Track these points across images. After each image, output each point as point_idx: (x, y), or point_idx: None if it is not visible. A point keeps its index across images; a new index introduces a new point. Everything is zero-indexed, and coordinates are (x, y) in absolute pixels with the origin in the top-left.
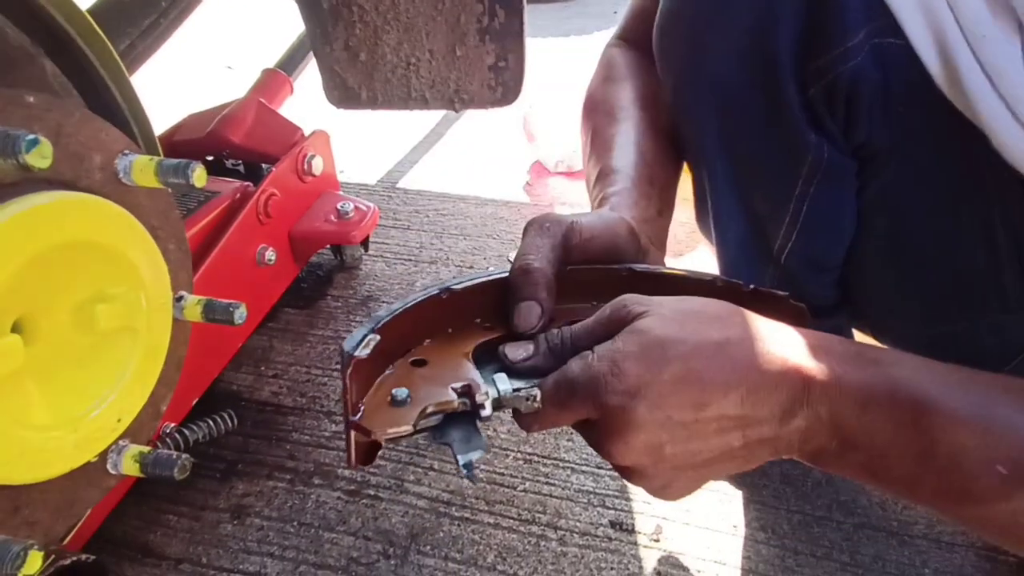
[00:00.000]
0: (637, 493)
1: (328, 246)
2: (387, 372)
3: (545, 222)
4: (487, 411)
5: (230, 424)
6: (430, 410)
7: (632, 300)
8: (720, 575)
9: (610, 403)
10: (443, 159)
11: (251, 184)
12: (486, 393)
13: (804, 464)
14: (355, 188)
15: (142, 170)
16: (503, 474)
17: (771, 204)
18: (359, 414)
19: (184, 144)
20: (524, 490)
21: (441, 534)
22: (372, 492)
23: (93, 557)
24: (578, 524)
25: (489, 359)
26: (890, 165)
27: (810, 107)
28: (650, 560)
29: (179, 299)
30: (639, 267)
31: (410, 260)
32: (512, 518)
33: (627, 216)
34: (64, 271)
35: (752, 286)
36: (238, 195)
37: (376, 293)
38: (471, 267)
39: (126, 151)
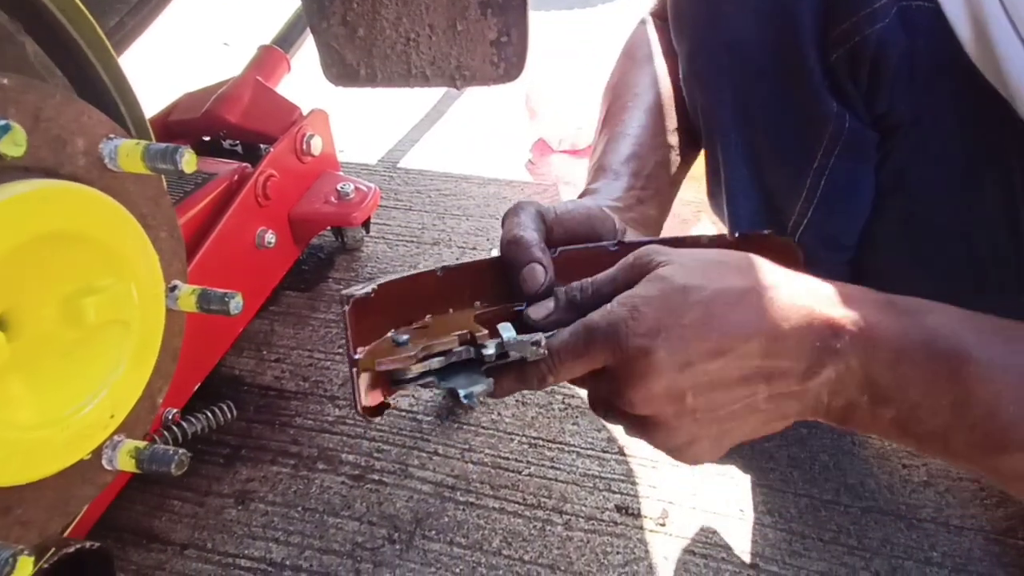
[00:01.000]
0: (643, 477)
1: (329, 228)
2: (388, 335)
3: (519, 207)
4: (490, 350)
5: (229, 415)
6: (436, 349)
7: (654, 250)
8: (726, 559)
9: (631, 345)
10: (444, 138)
11: (249, 165)
12: (490, 340)
13: (812, 447)
14: (355, 168)
15: (128, 155)
16: (508, 458)
17: (787, 177)
18: (363, 350)
19: (179, 125)
20: (529, 474)
21: (446, 519)
22: (376, 477)
23: (97, 544)
24: (584, 508)
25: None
26: (911, 138)
27: (831, 74)
28: (656, 544)
29: (172, 289)
30: (628, 239)
31: (412, 241)
32: (517, 502)
33: (603, 204)
34: (48, 263)
35: (737, 233)
36: (236, 177)
37: (378, 275)
38: (474, 248)
39: (111, 135)
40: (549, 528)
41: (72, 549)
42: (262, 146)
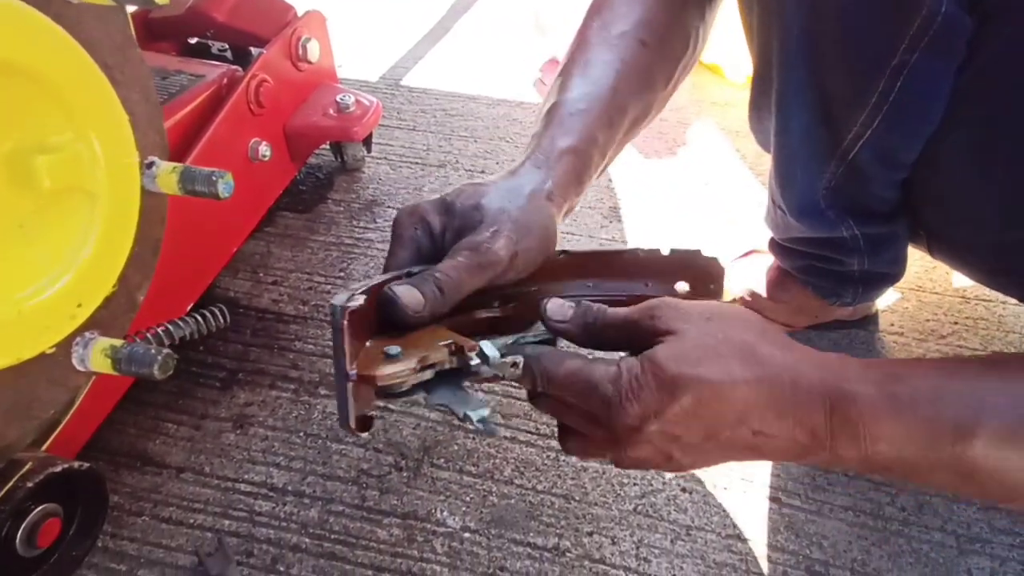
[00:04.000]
0: None
1: (327, 144)
2: (369, 344)
3: (485, 263)
4: (476, 362)
5: (222, 320)
6: (431, 361)
7: (662, 312)
8: (747, 492)
9: (621, 423)
10: (450, 55)
11: (239, 69)
12: (475, 349)
13: None
14: (354, 85)
15: None
16: (519, 388)
17: (857, 79)
18: (358, 368)
19: (161, 23)
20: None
21: (455, 447)
22: (380, 404)
23: (87, 465)
24: None
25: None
26: (1004, 33)
27: None
28: (674, 477)
29: (150, 165)
30: (574, 251)
31: (416, 163)
32: (530, 432)
33: (543, 185)
34: None
35: (670, 248)
36: (225, 80)
37: (381, 197)
38: (482, 172)
39: None
40: (563, 458)
41: (59, 468)
42: (253, 49)
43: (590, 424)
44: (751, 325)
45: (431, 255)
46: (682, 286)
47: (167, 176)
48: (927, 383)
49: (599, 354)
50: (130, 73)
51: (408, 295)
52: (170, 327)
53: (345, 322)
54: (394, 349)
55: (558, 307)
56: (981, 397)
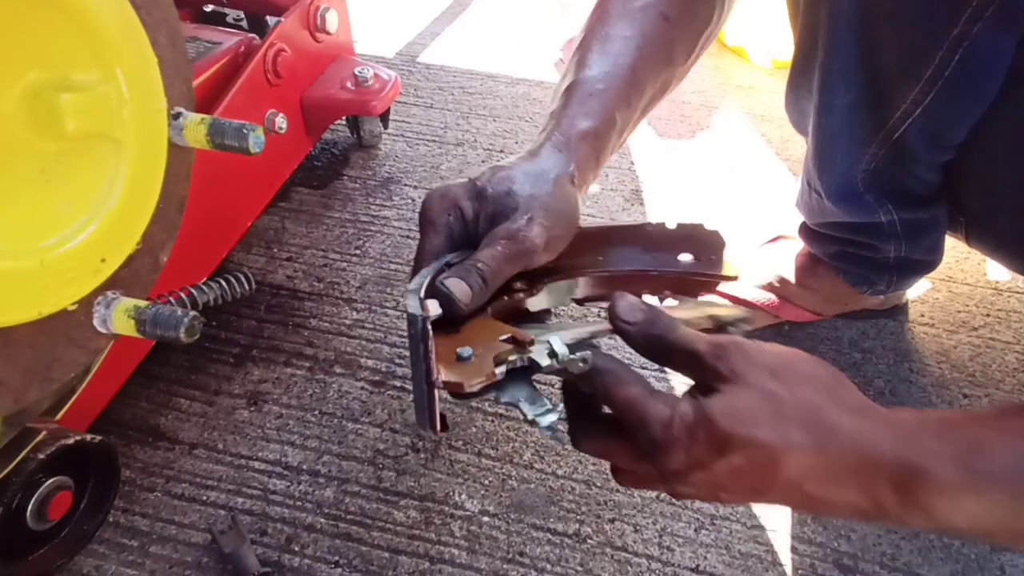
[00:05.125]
0: None
1: (344, 119)
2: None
3: (523, 251)
4: (545, 361)
5: (247, 286)
6: (501, 360)
7: (729, 354)
8: None
9: (670, 468)
10: (469, 33)
11: (256, 37)
12: (544, 343)
13: (867, 373)
14: (370, 61)
15: None
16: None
17: (911, 52)
18: (444, 375)
19: None
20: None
21: (474, 429)
22: (398, 384)
23: (99, 438)
24: None
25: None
26: None
27: None
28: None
29: (176, 116)
30: (586, 227)
31: (434, 141)
32: None
33: (567, 168)
34: (8, 37)
35: (676, 223)
36: (242, 48)
37: (397, 175)
38: (501, 151)
39: None
40: None
41: (71, 440)
42: (270, 18)
43: (637, 461)
44: (823, 383)
45: (463, 240)
46: (685, 257)
47: (195, 128)
48: (1011, 453)
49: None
50: (158, 15)
51: (459, 289)
52: (194, 292)
53: (429, 331)
54: (466, 351)
55: (628, 308)
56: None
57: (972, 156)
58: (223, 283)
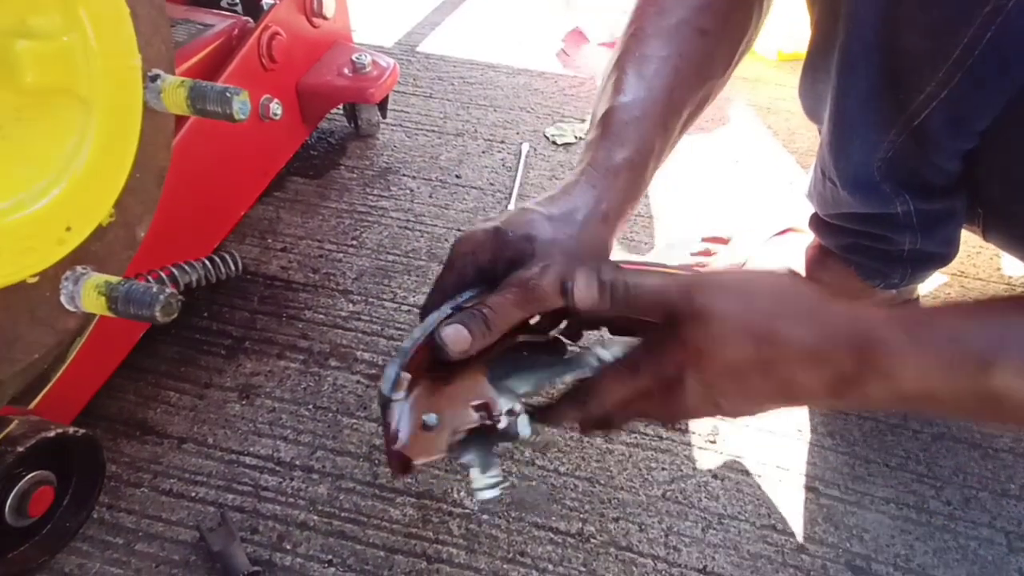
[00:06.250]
0: None
1: (341, 107)
2: (415, 392)
3: (532, 299)
4: (503, 425)
5: (232, 267)
6: (460, 429)
7: (699, 294)
8: (783, 481)
9: (665, 359)
10: (469, 22)
11: (251, 20)
12: (503, 412)
13: None
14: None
15: None
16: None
17: (939, 30)
18: (399, 444)
19: None
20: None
21: None
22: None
23: (83, 431)
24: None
25: (511, 362)
26: None
27: None
28: (705, 462)
29: (154, 79)
30: (627, 263)
31: (433, 131)
32: None
33: (598, 207)
34: None
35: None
36: (236, 31)
37: (395, 165)
38: (502, 142)
39: None
40: (587, 440)
41: (52, 433)
42: (265, 3)
43: (639, 388)
44: (790, 283)
45: (475, 282)
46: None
47: (174, 91)
48: (951, 321)
49: None
50: None
51: (455, 338)
52: (175, 271)
53: (394, 412)
54: (431, 418)
55: (584, 290)
56: (1003, 331)
57: (995, 144)
58: (208, 263)
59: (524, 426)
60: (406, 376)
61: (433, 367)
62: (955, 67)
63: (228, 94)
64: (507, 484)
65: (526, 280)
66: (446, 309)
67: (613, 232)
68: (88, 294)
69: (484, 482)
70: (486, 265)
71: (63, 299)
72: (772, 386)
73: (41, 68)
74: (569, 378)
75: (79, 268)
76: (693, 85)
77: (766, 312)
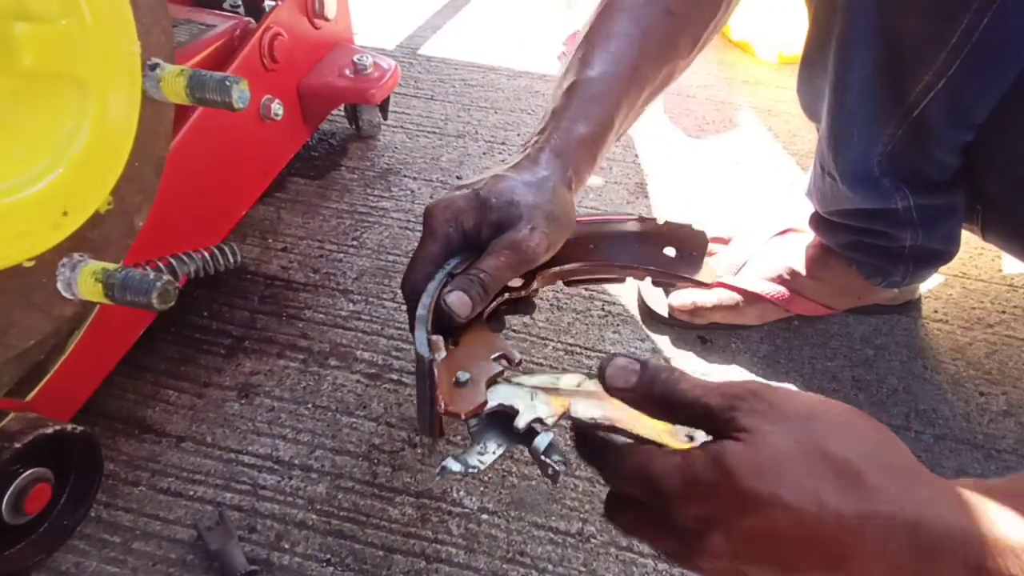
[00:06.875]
0: None
1: (342, 109)
2: (441, 356)
3: (524, 260)
4: (521, 424)
5: (231, 259)
6: (488, 377)
7: (746, 405)
8: None
9: (682, 523)
10: (471, 26)
11: (252, 21)
12: (534, 406)
13: (879, 370)
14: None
15: None
16: (542, 365)
17: (937, 16)
18: (448, 403)
19: None
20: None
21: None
22: (395, 377)
23: (80, 428)
24: None
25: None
26: None
27: None
28: None
29: (153, 67)
30: (580, 219)
31: (434, 132)
32: None
33: (564, 174)
34: None
35: (665, 220)
36: (237, 31)
37: (396, 166)
38: (502, 143)
39: None
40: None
41: (50, 430)
42: (267, 3)
43: (656, 526)
44: (866, 437)
45: (461, 248)
46: (670, 251)
47: (173, 80)
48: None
49: None
50: None
51: (459, 304)
52: (173, 262)
53: (436, 372)
54: (464, 375)
55: (619, 372)
56: None
57: (993, 138)
58: (206, 254)
59: (557, 453)
60: (438, 338)
61: (436, 332)
62: (953, 53)
63: (227, 83)
64: (476, 468)
65: (518, 242)
66: (442, 276)
67: (576, 196)
68: (85, 281)
69: (477, 459)
70: (471, 231)
71: (60, 286)
72: (829, 572)
73: (39, 51)
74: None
75: (76, 255)
76: (656, 64)
77: (837, 469)
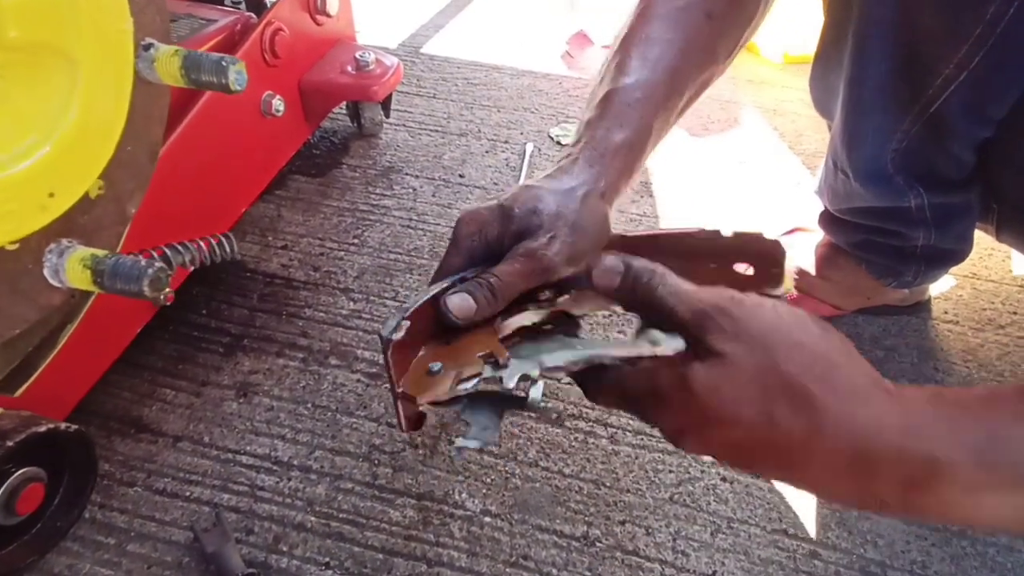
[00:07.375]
0: None
1: (344, 107)
2: (421, 353)
3: (539, 269)
4: (511, 382)
5: (228, 250)
6: (465, 374)
7: (716, 323)
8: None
9: (660, 424)
10: (473, 23)
11: (253, 16)
12: (527, 363)
13: (889, 373)
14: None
15: None
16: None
17: (957, 9)
18: (401, 387)
19: None
20: (569, 382)
21: None
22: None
23: (75, 427)
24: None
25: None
26: None
27: None
28: (715, 465)
29: (147, 48)
30: (630, 234)
31: (436, 131)
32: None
33: (596, 184)
34: None
35: (732, 231)
36: (238, 26)
37: (398, 164)
38: (505, 142)
39: None
40: (592, 441)
41: (43, 429)
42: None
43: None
44: (822, 357)
45: (484, 260)
46: (741, 267)
47: (168, 61)
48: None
49: None
50: None
51: (459, 305)
52: (168, 251)
53: (389, 352)
54: (436, 365)
55: (604, 273)
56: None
57: (1012, 135)
58: (202, 244)
59: (536, 391)
60: (405, 322)
61: (439, 335)
62: (975, 46)
63: (224, 63)
64: (491, 442)
65: (533, 250)
66: (448, 280)
67: (612, 206)
68: (73, 267)
69: (473, 441)
70: (494, 241)
71: (47, 272)
72: (788, 480)
73: (25, 23)
74: (614, 355)
75: (64, 241)
76: (695, 69)
77: (792, 390)
